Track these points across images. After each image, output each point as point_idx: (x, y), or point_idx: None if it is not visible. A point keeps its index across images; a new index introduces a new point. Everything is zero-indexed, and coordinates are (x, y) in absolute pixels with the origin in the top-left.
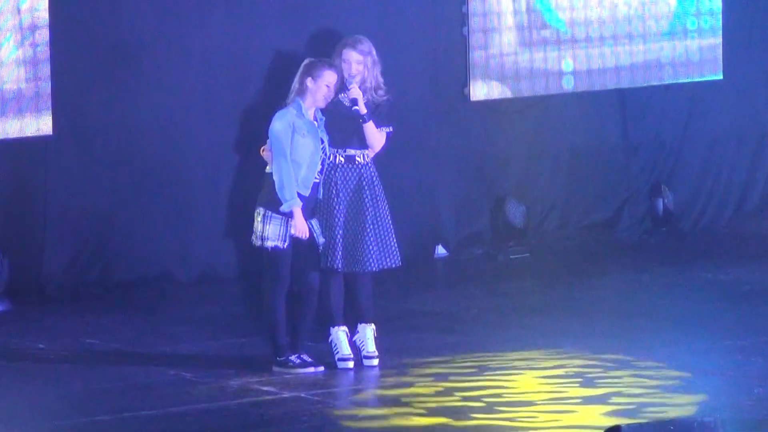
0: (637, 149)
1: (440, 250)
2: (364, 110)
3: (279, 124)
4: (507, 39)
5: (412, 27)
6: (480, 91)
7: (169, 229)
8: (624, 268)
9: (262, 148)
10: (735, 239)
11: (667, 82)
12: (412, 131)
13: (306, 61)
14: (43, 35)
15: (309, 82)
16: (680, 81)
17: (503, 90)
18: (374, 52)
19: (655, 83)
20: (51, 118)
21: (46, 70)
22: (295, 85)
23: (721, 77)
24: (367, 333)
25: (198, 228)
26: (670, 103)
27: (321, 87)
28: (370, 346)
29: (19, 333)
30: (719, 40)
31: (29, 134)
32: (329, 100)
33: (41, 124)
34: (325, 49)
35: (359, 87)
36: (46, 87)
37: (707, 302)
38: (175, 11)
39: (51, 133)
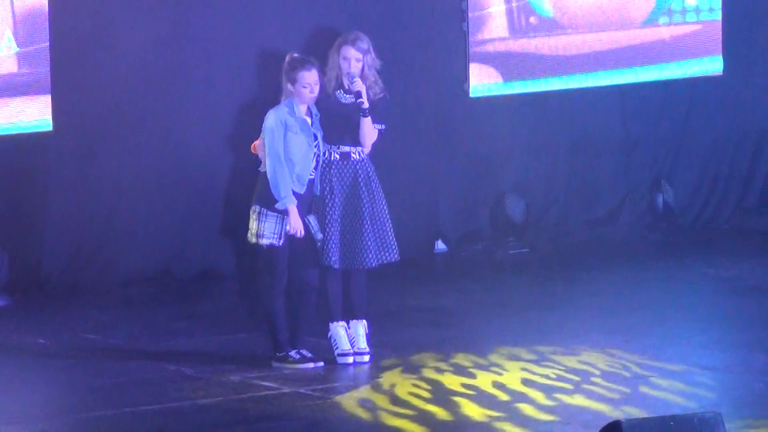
0: (637, 145)
1: (440, 246)
2: (367, 104)
3: (271, 121)
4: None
5: (411, 23)
6: (476, 79)
7: (168, 225)
8: (624, 264)
9: (253, 144)
10: (735, 235)
11: (666, 78)
12: (412, 127)
13: (287, 58)
14: (43, 32)
15: (289, 86)
16: (680, 76)
17: (497, 77)
18: (373, 50)
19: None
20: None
21: (45, 67)
22: (283, 85)
23: (721, 72)
24: (359, 329)
25: (197, 225)
26: (670, 98)
27: (299, 90)
28: (362, 343)
29: (19, 328)
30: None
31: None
32: (316, 96)
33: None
34: (324, 46)
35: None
36: (46, 84)
37: (707, 298)
38: (175, 10)
39: (50, 124)
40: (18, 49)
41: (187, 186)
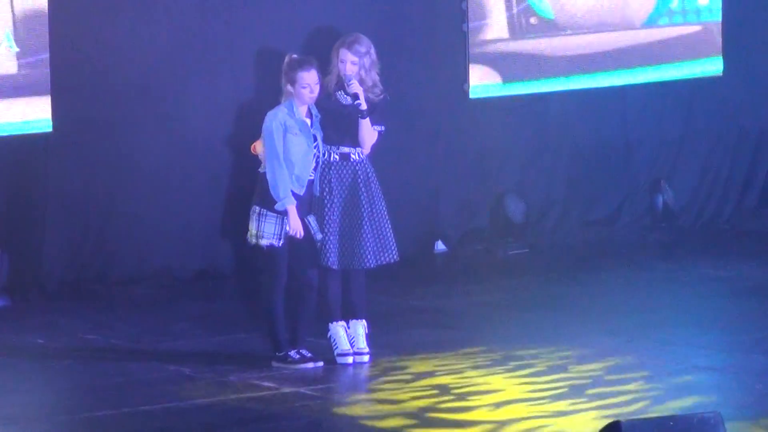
0: (637, 145)
1: (440, 246)
2: (364, 105)
3: (270, 123)
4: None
5: (411, 23)
6: (476, 80)
7: (168, 225)
8: (624, 265)
9: (253, 145)
10: (735, 235)
11: (667, 79)
12: (412, 128)
13: (286, 59)
14: (43, 32)
15: (288, 87)
16: (681, 77)
17: (496, 77)
18: (373, 52)
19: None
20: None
21: (45, 68)
22: (282, 86)
23: (721, 72)
24: (359, 329)
25: (197, 225)
26: (670, 99)
27: (299, 90)
28: (361, 343)
29: (19, 329)
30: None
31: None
32: (316, 96)
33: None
34: (324, 46)
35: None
36: (46, 84)
37: (707, 299)
38: (175, 10)
39: (50, 125)
40: (18, 50)
41: (187, 186)
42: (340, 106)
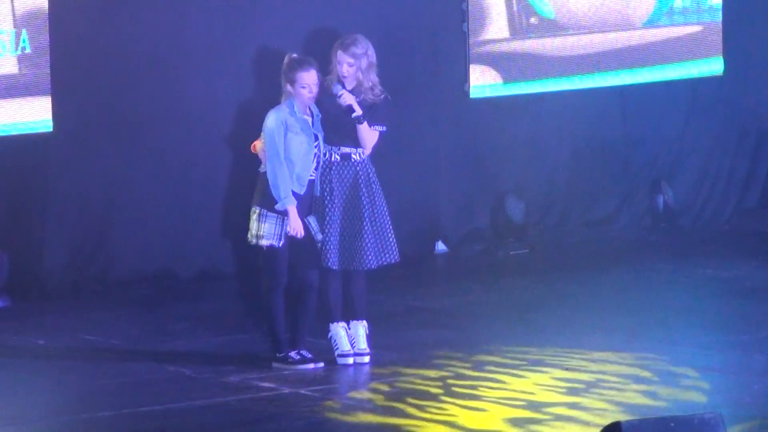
0: (637, 145)
1: (440, 246)
2: (359, 112)
3: (272, 122)
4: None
5: (411, 23)
6: (477, 80)
7: (168, 226)
8: (624, 265)
9: (253, 144)
10: (735, 235)
11: (667, 78)
12: (413, 128)
13: (286, 59)
14: (43, 32)
15: (288, 87)
16: (681, 77)
17: (497, 77)
18: (371, 53)
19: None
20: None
21: (45, 68)
22: (282, 86)
23: (721, 72)
24: (359, 330)
25: (197, 225)
26: (670, 99)
27: (299, 90)
28: (362, 343)
29: (19, 329)
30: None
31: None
32: (315, 96)
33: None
34: (324, 46)
35: (355, 87)
36: (46, 85)
37: (707, 298)
38: (175, 10)
39: (50, 125)
40: (18, 50)
41: (187, 186)
42: (339, 107)
